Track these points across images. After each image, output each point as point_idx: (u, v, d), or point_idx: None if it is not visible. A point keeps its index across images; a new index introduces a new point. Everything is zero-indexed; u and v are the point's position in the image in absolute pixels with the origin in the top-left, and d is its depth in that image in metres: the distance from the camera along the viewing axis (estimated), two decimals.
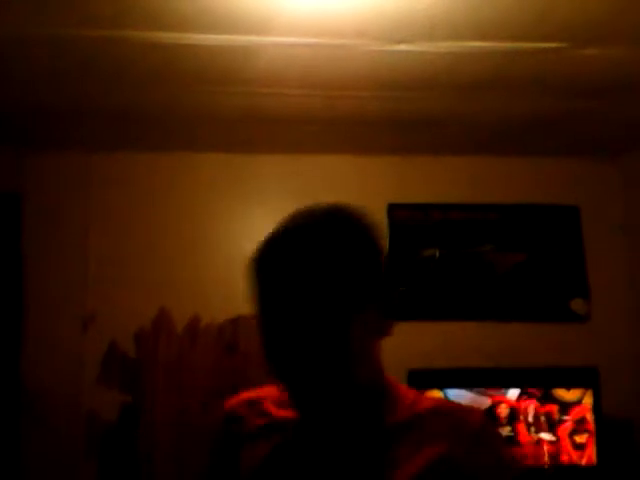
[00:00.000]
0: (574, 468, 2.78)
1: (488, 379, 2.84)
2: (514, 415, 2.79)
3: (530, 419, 2.80)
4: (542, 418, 2.80)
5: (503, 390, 2.81)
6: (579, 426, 2.79)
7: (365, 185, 3.25)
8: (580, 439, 2.79)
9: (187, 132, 2.93)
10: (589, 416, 2.79)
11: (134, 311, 3.06)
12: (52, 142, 3.05)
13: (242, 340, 3.12)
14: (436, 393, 2.80)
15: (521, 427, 2.79)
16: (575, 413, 2.80)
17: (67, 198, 3.13)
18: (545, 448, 2.78)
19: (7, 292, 3.02)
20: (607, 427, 2.82)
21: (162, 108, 2.61)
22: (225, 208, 3.20)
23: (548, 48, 2.04)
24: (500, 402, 2.80)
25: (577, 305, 3.19)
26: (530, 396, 2.81)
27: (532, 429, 2.79)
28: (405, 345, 3.12)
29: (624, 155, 3.22)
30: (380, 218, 3.22)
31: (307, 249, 0.99)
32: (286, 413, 1.05)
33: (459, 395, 2.79)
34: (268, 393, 1.11)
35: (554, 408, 2.80)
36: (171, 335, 3.08)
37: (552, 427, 2.80)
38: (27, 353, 3.01)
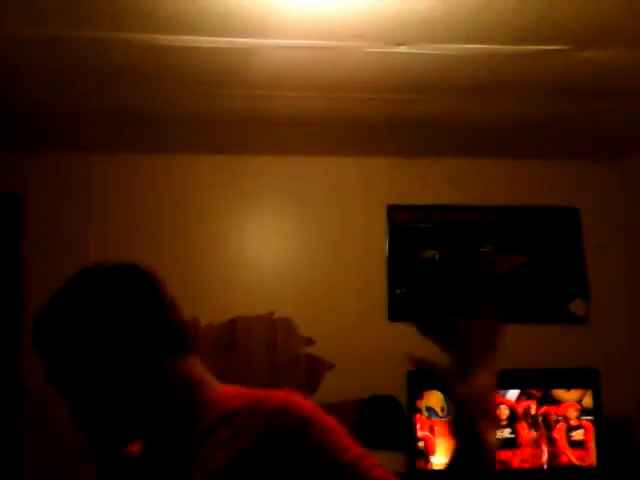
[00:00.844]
0: (574, 469, 2.78)
1: None
2: (514, 416, 2.80)
3: (529, 420, 2.80)
4: (540, 419, 2.80)
5: (502, 391, 2.81)
6: (568, 422, 2.80)
7: (365, 187, 3.25)
8: (577, 436, 2.79)
9: (186, 134, 2.93)
10: (572, 412, 2.79)
11: None
12: (52, 143, 3.05)
13: (241, 340, 3.12)
14: (436, 394, 2.80)
15: (521, 428, 2.79)
16: (561, 409, 2.80)
17: (66, 199, 3.13)
18: (544, 449, 2.78)
19: (7, 292, 3.02)
20: (606, 428, 2.82)
21: (161, 110, 2.62)
22: (224, 210, 3.20)
23: (548, 51, 2.04)
24: (500, 403, 2.80)
25: (576, 306, 3.20)
26: (530, 397, 2.81)
27: (531, 430, 2.79)
28: (405, 346, 3.13)
29: (624, 157, 3.22)
30: (380, 219, 3.22)
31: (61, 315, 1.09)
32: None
33: None
34: None
35: (552, 409, 2.81)
36: None
37: (550, 428, 2.80)
38: (27, 353, 3.01)
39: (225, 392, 1.09)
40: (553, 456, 2.78)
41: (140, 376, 1.04)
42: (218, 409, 1.05)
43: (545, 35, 1.96)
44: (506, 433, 2.78)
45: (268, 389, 1.04)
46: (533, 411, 2.80)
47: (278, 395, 1.01)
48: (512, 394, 2.81)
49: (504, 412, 2.80)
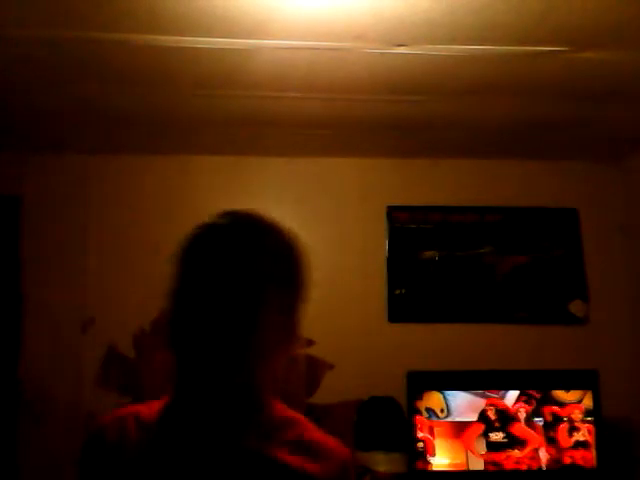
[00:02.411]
0: (573, 470, 2.78)
1: (487, 381, 2.84)
2: (509, 417, 2.79)
3: (528, 421, 2.80)
4: (539, 420, 2.80)
5: (502, 392, 2.81)
6: (572, 424, 2.80)
7: (365, 187, 3.25)
8: (577, 437, 2.80)
9: (186, 135, 2.93)
10: (577, 414, 2.80)
11: (133, 313, 3.06)
12: (52, 145, 3.05)
13: None
14: (435, 395, 2.80)
15: (517, 430, 2.79)
16: (565, 411, 2.80)
17: (66, 201, 3.13)
18: (543, 450, 2.78)
19: (6, 294, 3.02)
20: (606, 429, 2.82)
21: (162, 111, 2.62)
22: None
23: (547, 51, 2.04)
24: (496, 405, 2.80)
25: (576, 307, 3.20)
26: (530, 398, 2.81)
27: (528, 431, 2.79)
28: (404, 347, 3.13)
29: (623, 158, 3.22)
30: (380, 220, 3.23)
31: (227, 241, 1.11)
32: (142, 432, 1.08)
33: (458, 397, 2.80)
34: (140, 409, 1.14)
35: (554, 410, 2.81)
36: None
37: (549, 429, 2.79)
38: (26, 355, 3.01)
39: (285, 414, 1.08)
40: (552, 457, 2.78)
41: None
42: (280, 430, 1.03)
43: (545, 36, 1.96)
44: (500, 436, 2.78)
45: (319, 432, 1.06)
46: (531, 412, 2.80)
47: (341, 451, 1.03)
48: (511, 395, 2.81)
49: (497, 414, 2.80)
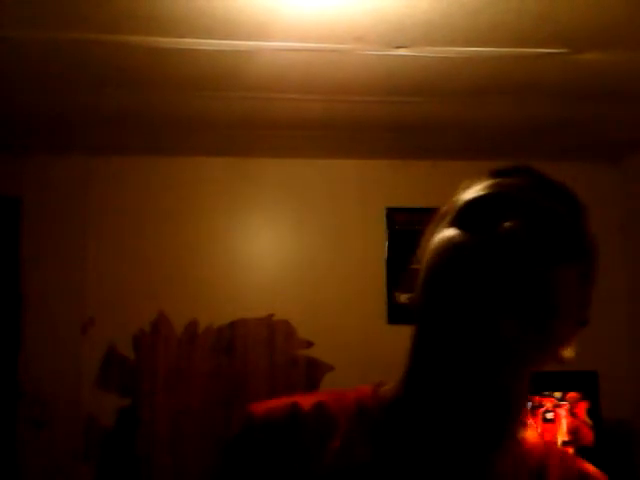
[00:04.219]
0: None
1: None
2: None
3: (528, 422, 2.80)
4: (538, 422, 2.80)
5: None
6: (571, 425, 2.80)
7: (364, 189, 3.25)
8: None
9: (186, 136, 2.93)
10: (577, 414, 2.80)
11: (133, 315, 3.06)
12: (52, 146, 3.05)
13: (240, 343, 3.12)
14: None
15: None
16: (564, 412, 2.81)
17: (66, 202, 3.13)
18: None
19: (6, 296, 3.02)
20: (605, 430, 2.82)
21: (161, 112, 2.62)
22: (224, 212, 3.20)
23: (547, 53, 2.05)
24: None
25: None
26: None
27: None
28: (404, 349, 3.13)
29: (623, 159, 3.22)
30: (379, 222, 3.23)
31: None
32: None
33: None
34: (324, 399, 0.88)
35: (552, 412, 2.81)
36: (170, 339, 3.09)
37: (549, 431, 2.80)
38: (26, 357, 3.01)
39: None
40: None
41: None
42: (526, 456, 0.85)
43: (544, 38, 1.96)
44: None
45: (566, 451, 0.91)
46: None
47: (592, 467, 0.85)
48: None
49: None
